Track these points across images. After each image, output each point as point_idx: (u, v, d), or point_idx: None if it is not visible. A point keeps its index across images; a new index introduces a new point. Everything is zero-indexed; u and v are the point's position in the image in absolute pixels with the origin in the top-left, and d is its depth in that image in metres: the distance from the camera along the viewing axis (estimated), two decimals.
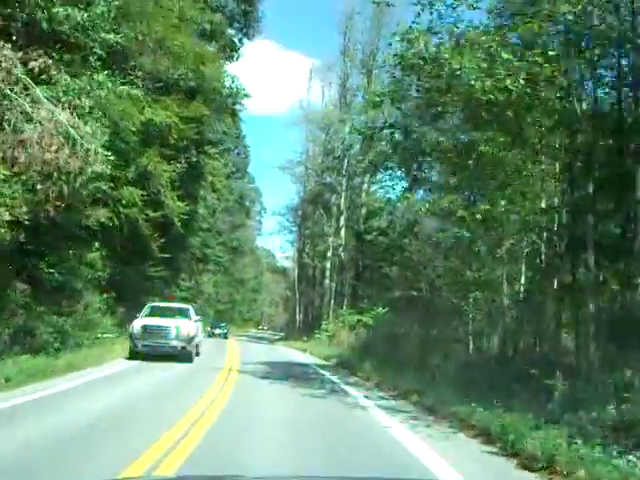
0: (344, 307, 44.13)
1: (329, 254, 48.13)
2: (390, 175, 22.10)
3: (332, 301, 47.66)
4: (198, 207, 44.22)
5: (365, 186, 37.11)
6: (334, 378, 16.85)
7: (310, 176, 48.72)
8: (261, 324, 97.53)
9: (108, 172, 12.62)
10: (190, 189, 33.86)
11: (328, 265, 47.78)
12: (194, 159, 32.92)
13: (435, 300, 18.96)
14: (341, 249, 35.93)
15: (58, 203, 11.44)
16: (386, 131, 15.92)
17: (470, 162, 12.59)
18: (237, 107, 35.87)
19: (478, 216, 12.14)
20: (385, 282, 31.02)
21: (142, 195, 22.14)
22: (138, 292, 27.93)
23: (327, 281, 47.35)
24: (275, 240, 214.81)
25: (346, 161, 36.60)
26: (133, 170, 20.88)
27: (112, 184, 17.29)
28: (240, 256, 76.45)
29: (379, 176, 32.05)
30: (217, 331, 49.58)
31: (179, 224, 28.10)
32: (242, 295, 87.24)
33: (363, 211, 36.87)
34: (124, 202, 20.93)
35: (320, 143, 46.11)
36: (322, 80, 46.42)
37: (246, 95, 33.19)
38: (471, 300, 17.12)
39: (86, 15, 12.05)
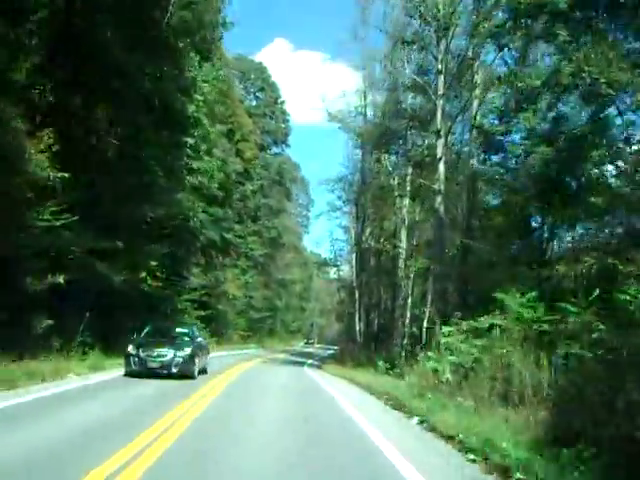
0: (430, 312, 28.60)
1: (402, 232, 31.76)
2: None
3: (409, 301, 31.37)
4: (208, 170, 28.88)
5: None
6: None
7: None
8: (310, 337, 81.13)
9: None
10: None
11: (403, 247, 31.43)
12: None
13: None
14: (439, 200, 19.55)
15: None
16: None
17: None
18: None
19: None
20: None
21: None
22: None
23: (401, 270, 31.07)
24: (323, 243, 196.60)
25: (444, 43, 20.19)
26: None
27: None
28: (280, 251, 60.89)
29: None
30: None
31: None
32: (286, 301, 71.55)
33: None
34: None
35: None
36: None
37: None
38: None
39: None
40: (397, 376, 14.95)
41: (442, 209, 20.01)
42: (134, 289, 19.48)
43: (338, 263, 43.41)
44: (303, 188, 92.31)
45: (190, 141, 21.75)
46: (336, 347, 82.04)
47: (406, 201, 31.77)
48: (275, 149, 58.33)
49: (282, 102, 59.56)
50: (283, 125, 59.39)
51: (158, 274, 21.63)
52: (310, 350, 63.12)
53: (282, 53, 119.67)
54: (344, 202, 45.65)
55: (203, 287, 37.65)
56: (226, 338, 44.79)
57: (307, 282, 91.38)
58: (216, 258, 42.13)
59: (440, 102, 20.54)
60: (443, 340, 9.67)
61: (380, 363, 17.33)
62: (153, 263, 20.79)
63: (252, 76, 58.04)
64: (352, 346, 35.73)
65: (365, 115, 37.72)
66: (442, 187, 20.00)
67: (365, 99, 37.66)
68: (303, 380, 18.12)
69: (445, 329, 9.79)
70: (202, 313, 38.61)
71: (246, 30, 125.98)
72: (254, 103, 58.35)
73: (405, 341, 30.59)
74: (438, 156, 20.26)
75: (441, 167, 20.13)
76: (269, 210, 53.97)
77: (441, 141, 20.39)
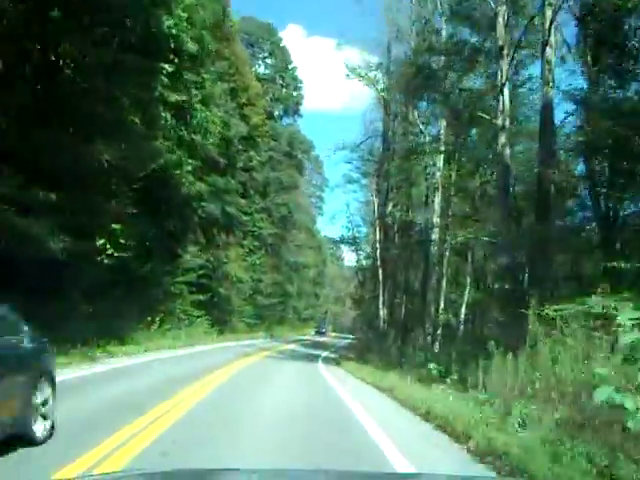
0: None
1: (435, 199, 26.40)
2: None
3: (444, 283, 26.01)
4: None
5: None
6: None
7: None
8: (321, 326, 75.85)
9: None
10: None
11: (436, 218, 26.18)
12: None
13: None
14: (502, 141, 14.09)
15: None
16: None
17: None
18: None
19: None
20: None
21: None
22: None
23: (434, 245, 25.92)
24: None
25: None
26: None
27: None
28: (292, 232, 55.68)
29: None
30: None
31: None
32: (298, 287, 66.34)
33: None
34: None
35: None
36: None
37: None
38: None
39: None
40: (460, 388, 9.68)
41: (508, 152, 14.59)
42: (87, 261, 14.34)
43: (357, 241, 38.08)
44: (316, 167, 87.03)
45: (168, 68, 16.50)
46: (352, 336, 76.95)
47: (440, 162, 26.35)
48: (286, 120, 52.99)
49: (293, 68, 54.15)
50: (295, 93, 53.97)
51: (123, 241, 16.40)
52: (324, 340, 58.00)
53: (296, 39, 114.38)
54: (363, 174, 40.34)
55: (201, 267, 32.56)
56: (230, 327, 39.79)
57: (321, 267, 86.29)
58: (218, 236, 37.01)
59: (502, 8, 15.06)
60: (628, 338, 4.39)
61: (432, 366, 11.96)
62: (115, 226, 15.59)
63: (260, 39, 52.61)
64: (373, 336, 30.50)
65: (389, 71, 32.28)
66: (507, 122, 14.56)
67: (389, 53, 32.26)
68: (317, 393, 12.65)
69: (623, 317, 4.55)
70: (200, 297, 33.61)
71: (259, 14, 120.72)
72: (263, 70, 53.01)
73: (439, 331, 25.43)
74: (502, 81, 14.79)
75: (505, 94, 14.67)
76: (279, 186, 48.72)
77: (504, 61, 14.91)
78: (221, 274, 36.72)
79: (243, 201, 41.46)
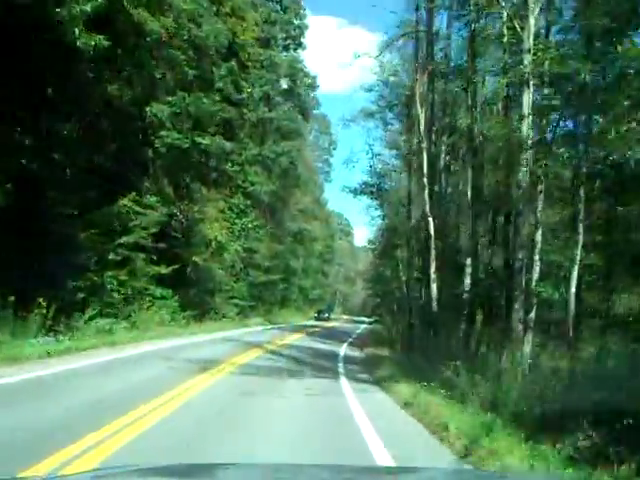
0: None
1: (525, 99, 15.60)
2: None
3: (538, 240, 15.46)
4: None
5: None
6: None
7: None
8: (325, 309, 64.41)
9: None
10: None
11: (528, 133, 15.39)
12: None
13: None
14: None
15: None
16: None
17: None
18: None
19: None
20: None
21: None
22: None
23: (524, 177, 15.11)
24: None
25: None
26: None
27: None
28: (295, 194, 45.01)
29: None
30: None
31: None
32: (304, 262, 55.89)
33: None
34: None
35: None
36: None
37: None
38: None
39: None
40: None
41: None
42: None
43: (382, 190, 27.34)
44: (323, 127, 76.19)
45: None
46: (366, 319, 66.51)
47: (530, 40, 15.60)
48: (285, 53, 41.95)
49: None
50: (296, 21, 43.09)
51: None
52: (333, 325, 47.69)
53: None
54: (389, 107, 29.73)
55: (160, 225, 22.21)
56: (213, 311, 29.57)
57: (329, 241, 75.93)
58: (190, 184, 26.59)
59: None
60: None
61: None
62: None
63: None
64: (420, 326, 20.12)
65: None
66: None
67: None
68: None
69: None
70: (163, 271, 23.43)
71: None
72: None
73: (532, 314, 15.05)
74: None
75: None
76: (277, 132, 38.11)
77: None
78: (199, 239, 26.29)
79: (228, 144, 30.94)
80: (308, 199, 49.28)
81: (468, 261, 18.19)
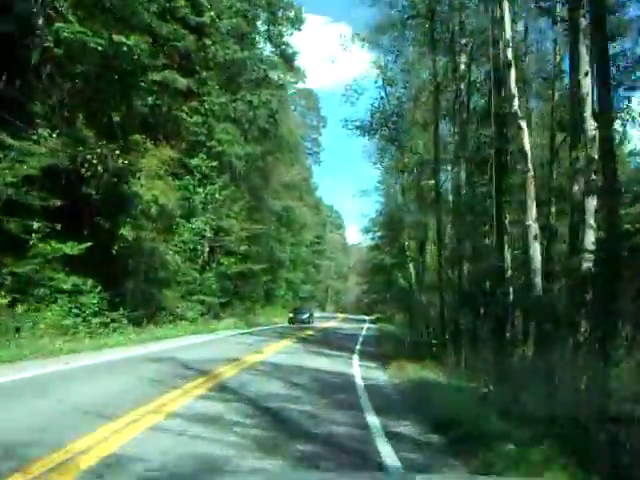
0: None
1: None
2: None
3: None
4: None
5: None
6: None
7: None
8: (304, 309, 52.90)
9: None
10: None
11: None
12: None
13: None
14: None
15: None
16: None
17: None
18: None
19: None
20: None
21: None
22: None
23: None
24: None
25: None
26: None
27: None
28: (277, 165, 36.12)
29: None
30: None
31: None
32: (294, 252, 47.25)
33: None
34: None
35: None
36: None
37: None
38: None
39: None
40: None
41: None
42: None
43: (397, 130, 18.78)
44: (310, 102, 67.83)
45: None
46: (366, 317, 57.42)
47: None
48: None
49: None
50: None
51: None
52: (331, 326, 39.06)
53: None
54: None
55: (57, 171, 13.54)
56: (164, 311, 20.89)
57: (321, 230, 67.39)
58: (119, 125, 17.88)
59: None
60: None
61: None
62: None
63: None
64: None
65: None
66: None
67: None
68: None
69: None
70: (70, 250, 15.05)
71: None
72: None
73: None
74: None
75: None
76: (251, 82, 29.35)
77: None
78: (129, 202, 17.52)
79: (182, 80, 22.35)
80: (295, 172, 40.45)
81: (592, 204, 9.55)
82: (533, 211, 9.44)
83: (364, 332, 31.88)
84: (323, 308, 79.33)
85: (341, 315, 62.70)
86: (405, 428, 6.58)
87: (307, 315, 37.58)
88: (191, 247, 23.95)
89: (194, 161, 24.71)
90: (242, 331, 24.22)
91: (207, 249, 26.18)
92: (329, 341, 22.00)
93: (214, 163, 25.48)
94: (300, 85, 45.60)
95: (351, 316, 61.58)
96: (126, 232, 16.69)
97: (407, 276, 30.31)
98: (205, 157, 25.46)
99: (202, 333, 21.00)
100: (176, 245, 22.23)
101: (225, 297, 28.43)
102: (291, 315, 37.11)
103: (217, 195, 25.54)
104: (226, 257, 28.67)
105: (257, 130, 30.41)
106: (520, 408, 6.62)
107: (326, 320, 45.53)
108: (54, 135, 14.52)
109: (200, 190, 24.67)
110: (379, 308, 56.06)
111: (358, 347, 19.95)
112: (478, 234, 15.69)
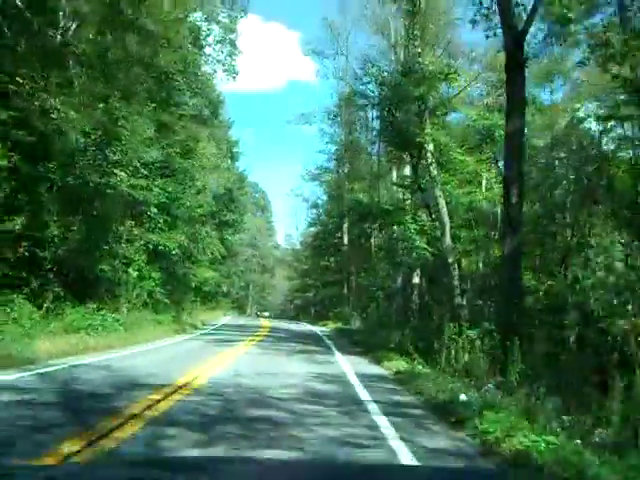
0: None
1: None
2: None
3: None
4: None
5: None
6: None
7: None
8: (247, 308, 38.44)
9: None
10: None
11: None
12: None
13: None
14: None
15: None
16: None
17: None
18: None
19: None
20: None
21: None
22: None
23: None
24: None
25: None
26: None
27: None
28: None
29: None
30: None
31: None
32: (204, 241, 32.24)
33: None
34: None
35: None
36: None
37: None
38: None
39: None
40: None
41: None
42: None
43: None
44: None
45: None
46: (305, 323, 40.86)
47: None
48: None
49: None
50: None
51: None
52: (276, 325, 29.90)
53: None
54: None
55: None
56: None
57: (236, 192, 46.33)
58: None
59: None
60: None
61: None
62: None
63: None
64: None
65: None
66: None
67: None
68: None
69: None
70: None
71: None
72: None
73: None
74: None
75: None
76: None
77: None
78: None
79: None
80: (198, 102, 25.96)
81: None
82: None
83: (324, 329, 23.73)
84: (243, 311, 64.33)
85: (267, 323, 36.07)
86: None
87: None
88: None
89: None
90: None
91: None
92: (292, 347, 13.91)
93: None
94: None
95: (285, 323, 40.67)
96: None
97: None
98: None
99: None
100: None
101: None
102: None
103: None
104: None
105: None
106: None
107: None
108: None
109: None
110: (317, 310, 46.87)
111: (330, 343, 12.16)
112: None
